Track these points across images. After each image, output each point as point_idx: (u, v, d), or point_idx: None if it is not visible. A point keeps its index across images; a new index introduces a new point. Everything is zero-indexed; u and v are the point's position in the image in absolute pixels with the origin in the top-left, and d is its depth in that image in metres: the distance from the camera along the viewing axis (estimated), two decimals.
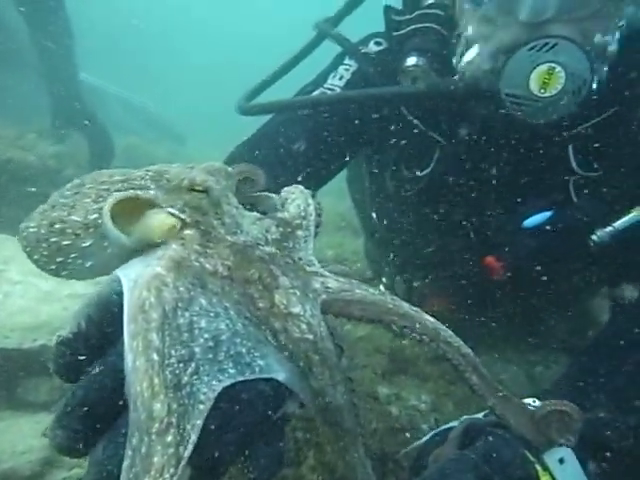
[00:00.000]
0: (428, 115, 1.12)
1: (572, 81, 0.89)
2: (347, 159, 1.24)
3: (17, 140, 2.53)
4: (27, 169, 2.34)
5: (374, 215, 1.48)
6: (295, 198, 0.60)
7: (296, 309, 0.48)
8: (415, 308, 0.53)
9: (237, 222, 0.51)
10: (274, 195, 0.61)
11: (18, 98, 3.31)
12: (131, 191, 0.49)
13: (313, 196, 0.62)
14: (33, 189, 2.32)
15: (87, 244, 0.48)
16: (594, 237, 0.99)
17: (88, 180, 0.52)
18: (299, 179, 1.05)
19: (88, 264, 0.49)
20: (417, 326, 0.52)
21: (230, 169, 0.54)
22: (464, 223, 1.18)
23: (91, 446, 0.42)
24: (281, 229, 0.54)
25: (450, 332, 0.54)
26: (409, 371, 1.36)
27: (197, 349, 0.44)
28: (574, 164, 1.03)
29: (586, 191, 1.04)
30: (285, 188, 0.62)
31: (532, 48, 0.89)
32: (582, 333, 1.60)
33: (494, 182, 1.10)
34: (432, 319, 0.53)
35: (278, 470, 0.46)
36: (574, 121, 0.99)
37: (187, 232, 0.49)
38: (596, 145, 1.01)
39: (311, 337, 0.48)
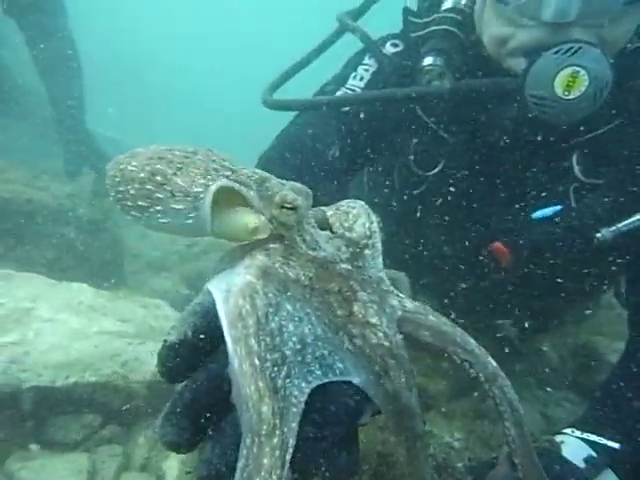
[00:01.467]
0: (441, 115, 1.15)
1: (595, 84, 0.92)
2: (370, 160, 1.26)
3: (34, 181, 2.59)
4: (45, 209, 2.39)
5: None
6: (358, 215, 0.62)
7: (373, 319, 0.50)
8: (481, 347, 0.55)
9: (316, 240, 0.54)
10: (326, 209, 0.64)
11: (26, 140, 3.39)
12: (237, 185, 0.52)
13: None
14: (50, 229, 2.36)
15: (178, 207, 0.50)
16: (598, 235, 1.03)
17: (201, 152, 0.54)
18: (335, 185, 1.07)
19: (164, 220, 0.51)
20: (478, 364, 0.53)
21: (309, 190, 0.57)
22: (471, 218, 1.21)
23: (196, 444, 0.45)
24: (351, 249, 0.57)
25: (507, 381, 0.54)
26: (434, 408, 1.39)
27: (288, 352, 0.46)
28: (577, 171, 1.08)
29: (586, 196, 1.08)
30: (344, 202, 0.65)
31: (557, 52, 0.92)
32: (588, 371, 1.66)
33: (501, 182, 1.15)
34: (494, 363, 0.54)
35: (354, 476, 0.48)
36: (580, 130, 1.03)
37: (271, 245, 0.52)
38: (599, 155, 1.06)
39: (387, 344, 0.49)
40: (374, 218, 0.62)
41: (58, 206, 2.55)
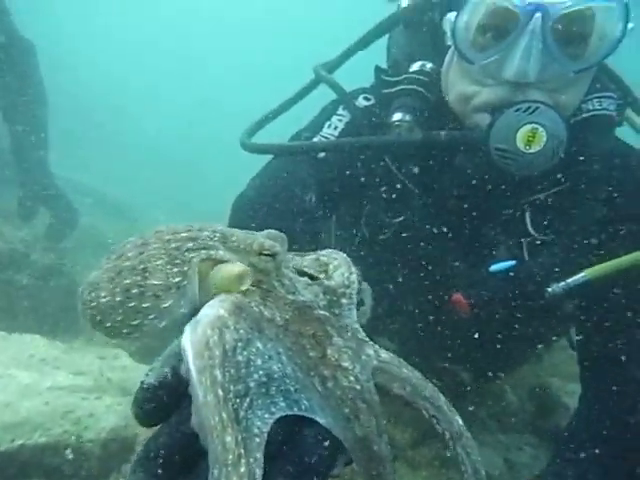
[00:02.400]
0: (409, 167, 1.21)
1: (552, 141, 1.00)
2: (339, 206, 1.31)
3: None
4: None
5: None
6: (338, 266, 0.63)
7: (346, 364, 0.50)
8: (451, 407, 0.55)
9: (294, 285, 0.56)
10: (307, 257, 0.65)
11: None
12: (205, 252, 0.53)
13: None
14: (1, 276, 2.24)
15: (167, 304, 0.50)
16: (549, 289, 1.09)
17: (152, 239, 0.54)
18: (312, 231, 1.09)
19: (163, 324, 0.51)
20: (445, 422, 0.54)
21: (284, 236, 0.59)
22: (432, 266, 1.25)
23: None
24: (328, 297, 0.57)
25: (472, 441, 0.55)
26: (400, 458, 1.38)
27: (252, 384, 0.46)
28: (530, 226, 1.15)
29: (536, 250, 1.14)
30: (325, 252, 0.66)
31: (518, 110, 1.00)
32: (547, 415, 1.70)
33: (461, 233, 1.21)
34: (461, 421, 0.54)
35: None
36: (535, 188, 1.11)
37: (252, 288, 0.53)
38: (550, 213, 1.14)
39: (358, 387, 0.49)
40: (354, 270, 0.63)
41: (10, 251, 2.45)
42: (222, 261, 0.54)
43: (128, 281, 0.51)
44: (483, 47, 1.06)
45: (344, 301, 0.59)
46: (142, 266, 0.52)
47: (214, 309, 0.49)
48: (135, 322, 0.50)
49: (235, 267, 0.53)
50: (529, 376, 1.85)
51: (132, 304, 0.50)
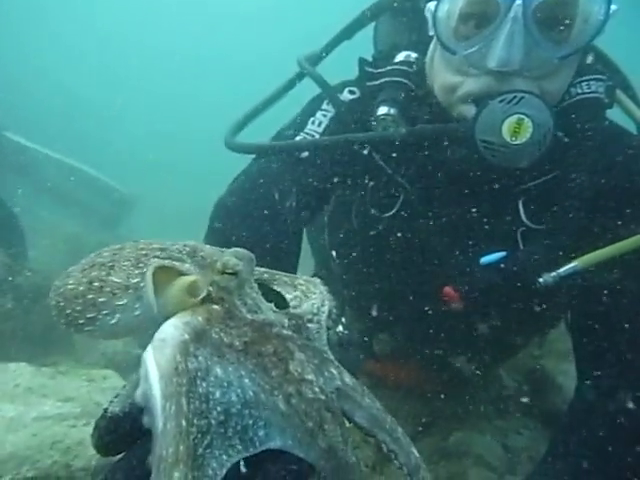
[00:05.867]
0: (397, 160, 1.20)
1: (538, 131, 0.99)
2: (327, 201, 1.30)
3: None
4: None
5: (333, 253, 1.52)
6: (313, 298, 0.64)
7: (309, 376, 0.51)
8: (408, 438, 0.56)
9: (257, 304, 0.56)
10: (283, 283, 0.66)
11: None
12: (169, 261, 0.54)
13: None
14: None
15: (121, 302, 0.51)
16: (540, 280, 1.07)
17: (128, 245, 0.56)
18: (290, 235, 1.10)
19: (114, 321, 0.51)
20: (402, 455, 0.55)
21: (253, 255, 0.59)
22: (424, 259, 1.25)
23: None
24: (294, 321, 0.58)
25: (428, 474, 0.55)
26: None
27: (213, 421, 0.45)
28: (523, 216, 1.14)
29: (532, 240, 1.13)
30: (305, 278, 0.67)
31: (502, 100, 0.99)
32: (542, 397, 1.70)
33: (452, 226, 1.20)
34: (417, 454, 0.55)
35: None
36: (526, 177, 1.10)
37: (213, 307, 0.53)
38: (542, 202, 1.13)
39: (323, 397, 0.50)
40: (327, 304, 0.63)
41: None
42: (182, 272, 0.54)
43: (94, 273, 0.53)
44: (465, 36, 1.05)
45: (311, 325, 0.59)
46: (110, 263, 0.53)
47: (178, 331, 0.49)
48: (90, 315, 0.51)
49: (187, 278, 0.54)
50: (524, 357, 1.84)
51: (91, 296, 0.51)
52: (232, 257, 0.57)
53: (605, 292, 1.07)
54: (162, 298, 0.52)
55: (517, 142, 1.00)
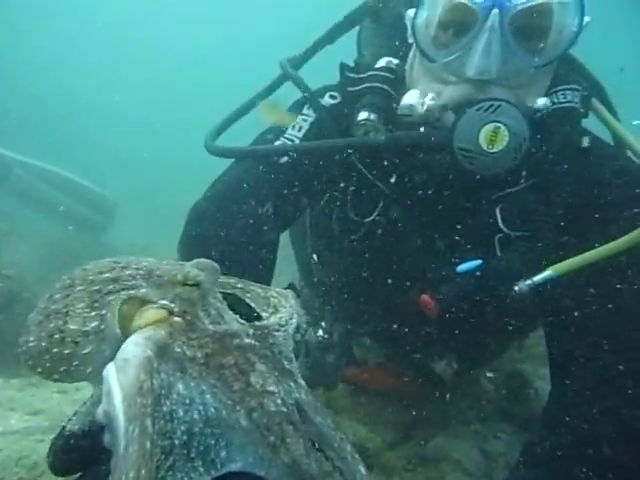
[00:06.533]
0: (376, 165, 1.20)
1: (514, 139, 1.00)
2: (306, 207, 1.30)
3: None
4: None
5: (315, 257, 1.52)
6: (282, 312, 0.64)
7: (271, 387, 0.50)
8: (356, 455, 0.55)
9: (220, 314, 0.56)
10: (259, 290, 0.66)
11: None
12: (124, 293, 0.53)
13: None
14: None
15: (87, 351, 0.50)
16: (515, 288, 1.08)
17: (78, 280, 0.54)
18: (266, 243, 1.09)
19: (88, 370, 0.50)
20: (349, 473, 0.53)
21: (217, 266, 0.58)
22: (403, 266, 1.25)
23: None
24: (259, 332, 0.58)
25: None
26: (374, 466, 1.35)
27: (176, 442, 0.44)
28: (501, 223, 1.14)
29: (509, 247, 1.13)
30: (278, 291, 0.67)
31: (479, 108, 1.00)
32: (521, 401, 1.70)
33: (431, 232, 1.21)
34: (364, 472, 0.54)
35: None
36: (503, 184, 1.11)
37: (175, 319, 0.52)
38: (520, 208, 1.13)
39: (285, 410, 0.50)
40: (296, 317, 0.63)
41: None
42: (144, 300, 0.53)
43: (52, 325, 0.50)
44: (444, 44, 1.07)
45: (277, 333, 0.59)
46: (65, 310, 0.51)
47: (140, 348, 0.48)
48: (62, 368, 0.50)
49: (149, 314, 0.52)
50: (503, 361, 1.85)
51: (55, 350, 0.50)
52: (193, 269, 0.56)
53: (577, 299, 1.08)
54: (128, 335, 0.50)
55: (494, 150, 1.01)
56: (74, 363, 0.50)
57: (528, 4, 0.98)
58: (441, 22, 1.06)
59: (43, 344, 0.50)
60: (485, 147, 1.01)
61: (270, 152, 1.22)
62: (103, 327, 0.51)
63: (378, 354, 1.68)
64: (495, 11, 0.97)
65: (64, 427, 0.47)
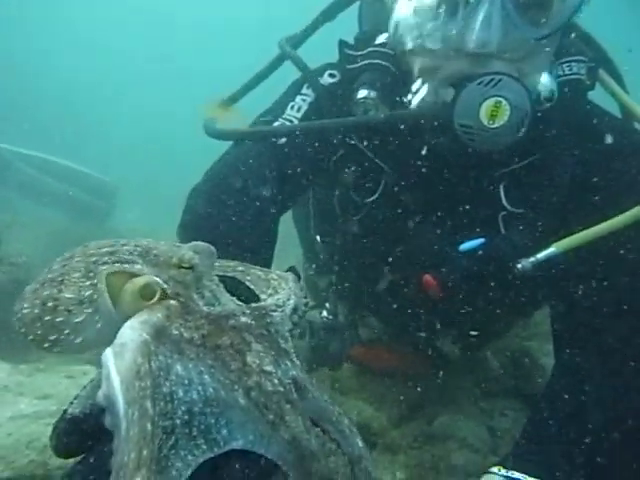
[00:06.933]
0: (378, 144, 1.18)
1: (516, 114, 0.98)
2: (307, 187, 1.30)
3: None
4: None
5: (318, 238, 1.52)
6: (281, 293, 0.64)
7: (269, 367, 0.51)
8: (354, 429, 0.55)
9: (216, 296, 0.56)
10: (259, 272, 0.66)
11: None
12: (118, 265, 0.52)
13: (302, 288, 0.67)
14: None
15: (79, 319, 0.49)
16: (519, 265, 1.07)
17: (78, 252, 0.54)
18: (267, 224, 1.09)
19: (79, 339, 0.50)
20: (347, 445, 0.54)
21: (213, 249, 0.58)
22: (406, 245, 1.24)
23: None
24: (256, 312, 0.57)
25: (371, 463, 0.55)
26: (379, 444, 1.36)
27: (177, 421, 0.44)
28: (504, 200, 1.13)
29: (513, 224, 1.13)
30: (278, 274, 0.66)
31: (480, 83, 0.98)
32: (527, 378, 1.70)
33: (433, 210, 1.19)
34: (361, 444, 0.55)
35: None
36: (506, 161, 1.09)
37: (170, 302, 0.52)
38: (523, 185, 1.12)
39: (282, 389, 0.50)
40: (294, 299, 0.63)
41: None
42: (134, 274, 0.53)
43: (46, 292, 0.51)
44: (443, 20, 1.02)
45: (274, 314, 0.58)
46: (60, 278, 0.52)
47: (136, 332, 0.48)
48: (52, 337, 0.50)
49: (137, 282, 0.52)
50: (509, 338, 1.84)
51: (47, 317, 0.50)
52: (189, 251, 0.56)
53: (581, 274, 1.07)
54: (120, 304, 0.51)
55: (495, 125, 0.99)
56: (65, 332, 0.50)
57: None
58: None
59: (36, 311, 0.50)
60: (486, 122, 0.98)
61: (267, 133, 1.20)
62: (96, 297, 0.50)
63: (383, 333, 1.68)
64: None
65: (65, 410, 0.48)
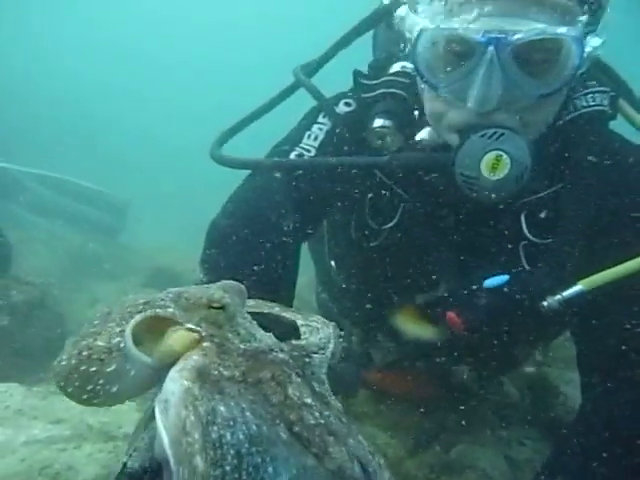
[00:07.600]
0: (395, 174, 1.18)
1: (516, 168, 0.99)
2: (325, 217, 1.30)
3: None
4: None
5: (333, 264, 1.51)
6: (322, 334, 0.64)
7: (309, 400, 0.51)
8: (381, 460, 0.55)
9: (251, 332, 0.56)
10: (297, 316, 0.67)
11: None
12: (150, 311, 0.52)
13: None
14: None
15: (111, 368, 0.49)
16: (545, 303, 1.05)
17: (116, 307, 0.55)
18: (289, 258, 1.08)
19: (114, 389, 0.49)
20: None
21: (243, 287, 0.59)
22: (424, 274, 1.22)
23: None
24: (296, 352, 0.57)
25: None
26: (394, 475, 1.32)
27: (227, 468, 0.44)
28: (525, 230, 1.12)
29: (536, 256, 1.11)
30: (316, 319, 0.66)
31: (483, 135, 0.99)
32: (546, 406, 1.66)
33: (452, 241, 1.18)
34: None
35: None
36: (527, 191, 1.08)
37: (205, 344, 0.52)
38: (545, 214, 1.12)
39: (323, 422, 0.50)
40: (333, 342, 0.63)
41: None
42: (168, 318, 0.53)
43: (83, 343, 0.51)
44: (445, 73, 1.03)
45: (315, 356, 0.59)
46: (98, 330, 0.52)
47: (177, 383, 0.47)
48: (89, 387, 0.49)
49: (174, 335, 0.52)
50: (527, 365, 1.80)
51: (83, 367, 0.50)
52: (218, 290, 0.56)
53: (611, 313, 1.05)
54: (159, 351, 0.51)
55: (495, 177, 1.00)
56: (100, 382, 0.49)
57: (524, 40, 0.93)
58: (439, 51, 1.02)
59: (73, 361, 0.50)
60: (486, 174, 1.00)
61: (281, 167, 1.20)
62: (123, 344, 0.50)
63: (398, 359, 1.65)
64: (491, 48, 0.93)
65: (125, 464, 0.47)
